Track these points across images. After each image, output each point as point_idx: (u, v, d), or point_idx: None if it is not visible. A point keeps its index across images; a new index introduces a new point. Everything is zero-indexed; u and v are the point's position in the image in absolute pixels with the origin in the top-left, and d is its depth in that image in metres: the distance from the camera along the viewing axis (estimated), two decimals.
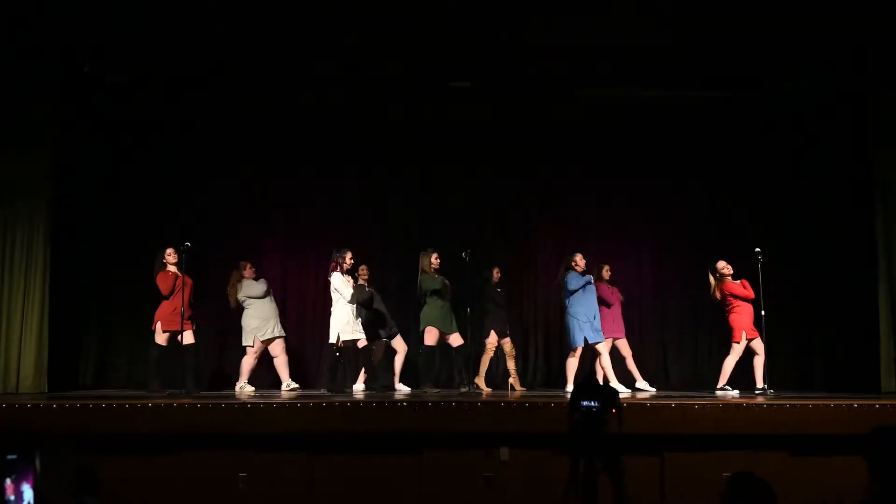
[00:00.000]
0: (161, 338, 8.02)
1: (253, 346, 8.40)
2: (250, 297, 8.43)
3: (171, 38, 8.27)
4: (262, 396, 7.43)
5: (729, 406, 6.77)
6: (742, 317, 8.00)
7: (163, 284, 8.04)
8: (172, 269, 8.11)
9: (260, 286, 8.50)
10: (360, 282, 8.51)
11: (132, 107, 9.23)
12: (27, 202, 8.22)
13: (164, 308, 8.03)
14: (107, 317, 9.41)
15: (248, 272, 8.52)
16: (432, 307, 8.31)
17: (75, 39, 8.25)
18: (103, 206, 9.30)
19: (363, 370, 8.31)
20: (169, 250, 8.12)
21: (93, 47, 8.43)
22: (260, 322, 8.41)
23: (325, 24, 8.09)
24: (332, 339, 8.07)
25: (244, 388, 8.29)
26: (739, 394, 7.75)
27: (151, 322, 8.09)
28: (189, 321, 8.00)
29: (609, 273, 8.63)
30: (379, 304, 8.56)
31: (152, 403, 6.57)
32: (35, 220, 8.22)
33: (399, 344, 8.66)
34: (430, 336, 8.27)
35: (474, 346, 8.52)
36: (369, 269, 8.70)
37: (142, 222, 9.37)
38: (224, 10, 7.83)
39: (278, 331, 8.51)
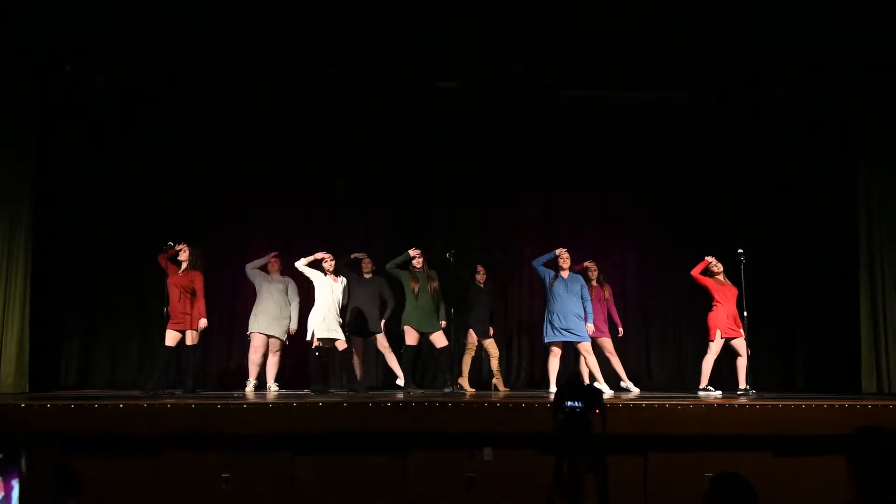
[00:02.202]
0: (167, 338, 7.91)
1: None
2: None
3: (157, 39, 8.21)
4: (245, 396, 7.40)
5: (712, 406, 6.79)
6: (718, 315, 8.05)
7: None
8: (184, 264, 8.01)
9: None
10: (366, 274, 8.62)
11: (116, 107, 9.17)
12: (9, 201, 8.14)
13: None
14: (89, 316, 9.32)
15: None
16: (408, 307, 8.33)
17: (58, 39, 8.18)
18: (86, 204, 9.23)
19: (358, 373, 8.32)
20: (182, 246, 7.97)
21: (76, 47, 8.35)
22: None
23: (310, 25, 8.07)
24: (308, 337, 8.07)
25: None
26: (722, 394, 7.79)
27: (133, 322, 7.98)
28: (182, 321, 7.88)
29: (595, 272, 8.67)
30: (366, 302, 8.51)
31: (135, 404, 6.53)
32: (17, 219, 8.15)
33: (382, 344, 8.64)
34: (409, 336, 8.28)
35: (458, 346, 8.53)
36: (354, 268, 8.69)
37: (125, 221, 9.31)
38: (212, 10, 7.80)
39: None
